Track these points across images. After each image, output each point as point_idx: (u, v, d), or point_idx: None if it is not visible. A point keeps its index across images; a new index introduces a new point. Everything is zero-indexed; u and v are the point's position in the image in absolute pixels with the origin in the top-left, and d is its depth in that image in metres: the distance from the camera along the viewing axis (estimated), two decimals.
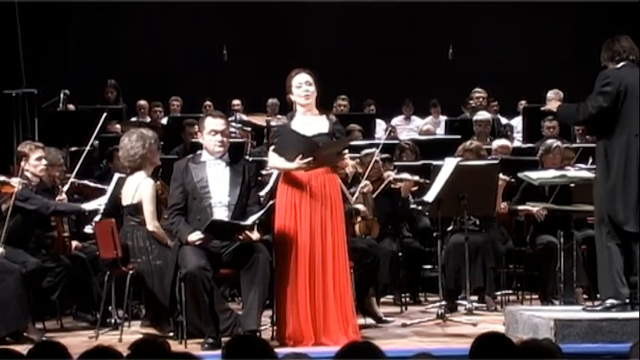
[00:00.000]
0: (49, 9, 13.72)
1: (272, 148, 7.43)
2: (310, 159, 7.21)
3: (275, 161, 7.42)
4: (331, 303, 7.22)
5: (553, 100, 7.65)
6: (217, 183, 7.43)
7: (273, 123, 11.87)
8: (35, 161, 8.30)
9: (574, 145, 10.70)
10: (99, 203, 8.42)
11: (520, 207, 9.40)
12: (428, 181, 8.97)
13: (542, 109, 7.94)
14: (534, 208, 9.29)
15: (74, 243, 8.70)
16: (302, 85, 7.39)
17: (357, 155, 9.43)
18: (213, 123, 7.50)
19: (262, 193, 8.24)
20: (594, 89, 7.34)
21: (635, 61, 7.44)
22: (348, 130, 10.77)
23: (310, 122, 7.40)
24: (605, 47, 7.49)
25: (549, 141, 9.91)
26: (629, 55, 7.42)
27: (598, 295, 7.66)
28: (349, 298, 7.33)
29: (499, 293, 9.63)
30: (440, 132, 13.58)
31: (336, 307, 7.23)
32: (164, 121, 13.75)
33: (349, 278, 7.39)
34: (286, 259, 7.26)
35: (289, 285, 7.24)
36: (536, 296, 9.58)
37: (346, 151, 7.82)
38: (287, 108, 13.22)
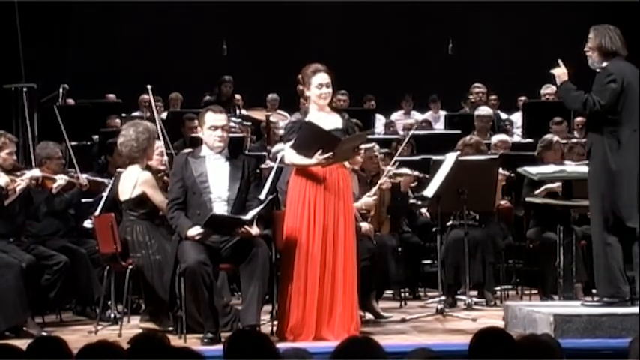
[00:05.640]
0: (49, 3, 13.69)
1: (289, 144, 7.38)
2: (330, 154, 7.21)
3: (293, 157, 7.37)
4: (339, 296, 7.25)
5: (562, 71, 7.39)
6: (217, 178, 7.42)
7: (272, 118, 11.89)
8: (6, 155, 8.18)
9: (583, 141, 10.63)
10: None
11: (536, 192, 9.09)
12: (427, 176, 8.98)
13: (552, 71, 7.46)
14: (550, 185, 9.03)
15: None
16: (322, 87, 7.40)
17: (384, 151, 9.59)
18: (213, 118, 7.49)
19: (262, 196, 8.16)
20: (597, 85, 7.26)
21: (623, 57, 7.38)
22: None
23: (324, 118, 7.40)
24: (596, 46, 7.40)
25: (548, 136, 9.87)
26: (620, 51, 7.38)
27: (594, 291, 7.65)
28: (356, 294, 7.35)
29: (498, 288, 9.61)
30: (440, 127, 13.59)
31: (344, 301, 7.25)
32: (164, 115, 13.73)
33: (356, 274, 7.40)
34: (296, 252, 7.26)
35: (297, 276, 7.24)
36: (536, 291, 9.57)
37: (362, 146, 7.84)
38: (287, 103, 13.41)
